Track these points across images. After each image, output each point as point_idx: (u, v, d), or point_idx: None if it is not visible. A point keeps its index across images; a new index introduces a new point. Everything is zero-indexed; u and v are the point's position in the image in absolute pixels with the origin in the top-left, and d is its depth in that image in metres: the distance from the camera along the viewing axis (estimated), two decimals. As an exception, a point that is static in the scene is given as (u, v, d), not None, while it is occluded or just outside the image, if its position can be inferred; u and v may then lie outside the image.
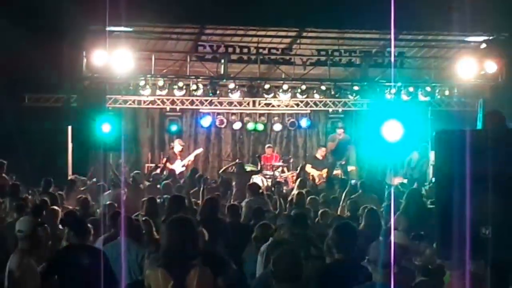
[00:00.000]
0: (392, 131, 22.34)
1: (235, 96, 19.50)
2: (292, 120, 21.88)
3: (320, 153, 20.56)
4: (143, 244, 8.39)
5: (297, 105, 21.12)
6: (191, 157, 20.14)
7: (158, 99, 19.68)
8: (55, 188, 14.16)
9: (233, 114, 21.49)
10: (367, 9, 15.88)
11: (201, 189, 12.39)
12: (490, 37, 18.38)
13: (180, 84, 18.50)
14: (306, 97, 20.16)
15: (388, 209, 11.78)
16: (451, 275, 6.21)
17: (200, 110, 21.08)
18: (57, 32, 15.98)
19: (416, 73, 19.31)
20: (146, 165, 20.53)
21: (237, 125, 21.49)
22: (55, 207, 11.08)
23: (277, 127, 21.99)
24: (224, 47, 18.47)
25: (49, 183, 14.03)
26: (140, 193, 13.80)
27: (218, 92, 19.02)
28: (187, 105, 20.26)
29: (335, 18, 16.90)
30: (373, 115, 22.65)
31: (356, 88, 19.24)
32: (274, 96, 19.62)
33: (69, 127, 18.35)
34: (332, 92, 19.38)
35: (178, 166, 19.33)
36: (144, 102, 19.91)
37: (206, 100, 20.17)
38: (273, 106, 21.22)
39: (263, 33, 18.22)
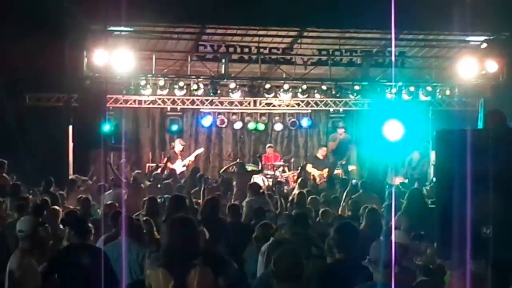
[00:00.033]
0: (393, 130, 22.36)
1: (236, 96, 19.49)
2: (293, 119, 21.87)
3: (321, 153, 20.54)
4: (144, 244, 8.39)
5: (298, 104, 21.10)
6: (191, 157, 20.12)
7: (159, 98, 19.66)
8: (56, 188, 14.16)
9: (234, 113, 21.48)
10: (368, 9, 15.88)
11: (202, 188, 12.40)
12: (491, 37, 18.38)
13: (181, 83, 18.49)
14: (307, 97, 20.15)
15: (389, 209, 11.80)
16: (451, 274, 6.21)
17: (201, 110, 21.07)
18: (58, 32, 15.99)
19: (417, 73, 19.30)
20: (147, 164, 20.53)
21: (238, 125, 21.49)
22: (56, 207, 11.08)
23: (278, 126, 21.98)
24: (225, 47, 18.47)
25: (49, 183, 14.02)
26: (141, 193, 13.80)
27: (219, 91, 19.02)
28: (188, 105, 20.24)
29: (336, 17, 16.90)
30: (374, 115, 22.66)
31: (357, 87, 19.24)
32: (275, 96, 19.61)
33: (70, 127, 18.36)
34: (333, 92, 19.37)
35: (179, 166, 19.33)
36: (145, 101, 19.89)
37: (207, 100, 20.15)
38: (274, 105, 21.21)
39: (264, 32, 18.22)
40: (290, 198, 13.13)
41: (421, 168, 20.20)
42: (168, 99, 19.80)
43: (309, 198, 12.43)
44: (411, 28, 18.01)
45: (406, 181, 18.16)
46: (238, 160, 19.06)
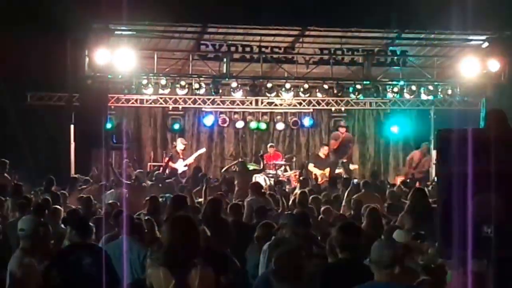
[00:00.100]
0: (395, 129, 22.45)
1: (238, 95, 19.50)
2: (294, 119, 21.88)
3: (322, 152, 20.54)
4: (145, 243, 8.38)
5: (300, 104, 21.10)
6: (193, 157, 20.10)
7: (161, 98, 19.67)
8: (57, 187, 14.16)
9: (235, 113, 21.49)
10: (369, 8, 15.90)
11: (204, 188, 12.37)
12: (493, 36, 18.36)
13: (183, 83, 18.50)
14: (308, 96, 20.15)
15: (390, 208, 11.80)
16: (453, 274, 6.20)
17: (203, 109, 21.09)
18: (60, 31, 16.00)
19: (418, 72, 19.28)
20: (149, 164, 20.55)
21: (239, 124, 21.49)
22: (57, 206, 11.08)
23: (280, 126, 21.98)
24: (227, 46, 18.46)
25: (51, 182, 14.02)
26: (143, 192, 13.79)
27: (220, 91, 19.03)
28: (189, 104, 20.25)
29: (338, 17, 16.93)
30: (375, 114, 22.73)
31: (358, 86, 19.22)
32: (277, 95, 19.61)
33: (72, 126, 18.37)
34: (335, 91, 19.35)
35: (180, 166, 19.34)
36: (147, 101, 19.92)
37: (209, 99, 20.16)
38: (275, 105, 21.21)
39: (265, 31, 18.21)
40: (292, 197, 13.12)
41: (422, 168, 20.20)
42: (170, 98, 19.81)
43: (311, 197, 12.43)
44: (412, 27, 18.02)
45: (408, 180, 18.14)
46: (239, 159, 19.05)
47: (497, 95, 18.30)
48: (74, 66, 17.07)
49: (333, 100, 20.78)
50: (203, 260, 5.20)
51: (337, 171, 19.86)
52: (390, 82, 19.49)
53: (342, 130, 21.18)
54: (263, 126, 21.76)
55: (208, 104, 20.49)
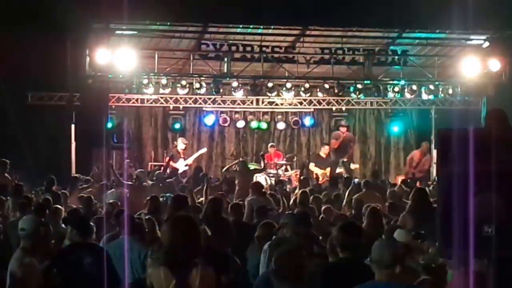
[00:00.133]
0: (395, 129, 22.47)
1: (239, 95, 19.50)
2: (295, 118, 21.89)
3: (323, 152, 20.55)
4: (146, 242, 8.38)
5: (301, 103, 21.11)
6: (194, 157, 20.09)
7: (161, 97, 19.69)
8: (58, 187, 14.16)
9: (236, 112, 21.50)
10: (370, 8, 15.90)
11: (205, 187, 12.37)
12: (494, 36, 18.36)
13: (183, 82, 18.51)
14: (309, 96, 20.16)
15: (391, 208, 11.80)
16: (453, 273, 6.19)
17: (204, 109, 21.10)
18: (60, 30, 16.00)
19: (419, 72, 19.28)
20: (150, 163, 20.55)
21: (240, 124, 21.50)
22: (58, 206, 11.08)
23: (281, 125, 21.98)
24: (227, 46, 18.47)
25: (52, 182, 14.01)
26: (144, 192, 13.78)
27: (221, 90, 19.04)
28: (190, 104, 20.27)
29: (338, 16, 16.92)
30: (376, 114, 22.73)
31: (359, 86, 19.22)
32: (278, 95, 19.62)
33: (72, 126, 18.37)
34: (336, 91, 19.35)
35: (181, 165, 19.34)
36: (147, 100, 19.93)
37: (210, 99, 20.17)
38: (276, 104, 21.22)
39: (266, 31, 18.21)
40: (293, 197, 13.11)
41: (423, 167, 20.21)
42: (171, 98, 19.83)
43: (312, 197, 12.43)
44: (413, 27, 18.02)
45: (409, 180, 18.14)
46: (240, 159, 19.05)
47: (497, 94, 18.31)
48: (75, 66, 17.07)
49: (334, 99, 20.79)
50: (204, 260, 5.19)
51: (338, 170, 19.86)
52: (391, 82, 19.50)
53: (343, 129, 21.18)
54: (264, 125, 21.76)
55: (209, 104, 20.50)
